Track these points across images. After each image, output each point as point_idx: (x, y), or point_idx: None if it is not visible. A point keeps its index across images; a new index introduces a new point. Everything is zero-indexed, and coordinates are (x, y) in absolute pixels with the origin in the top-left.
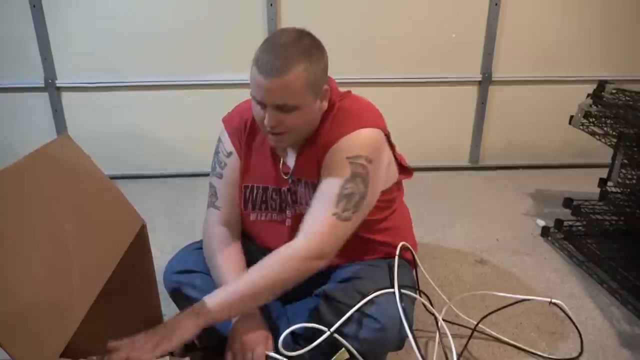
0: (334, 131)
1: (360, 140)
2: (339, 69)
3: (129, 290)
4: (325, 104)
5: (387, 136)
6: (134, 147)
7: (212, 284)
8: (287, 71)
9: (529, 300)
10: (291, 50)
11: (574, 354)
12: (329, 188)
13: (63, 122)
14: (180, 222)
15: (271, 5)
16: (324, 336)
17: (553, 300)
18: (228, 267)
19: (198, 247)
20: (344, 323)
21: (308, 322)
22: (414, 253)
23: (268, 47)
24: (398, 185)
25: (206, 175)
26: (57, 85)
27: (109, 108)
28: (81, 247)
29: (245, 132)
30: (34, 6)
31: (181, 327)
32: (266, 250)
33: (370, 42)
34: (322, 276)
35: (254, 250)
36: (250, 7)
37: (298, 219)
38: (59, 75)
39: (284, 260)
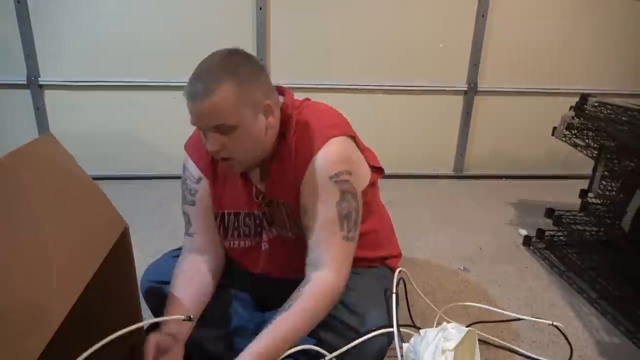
0: (303, 150)
1: (334, 155)
2: (326, 75)
3: (110, 294)
4: (272, 120)
5: (354, 137)
6: (119, 148)
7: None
8: (211, 92)
9: (524, 319)
10: (215, 70)
11: None
12: (327, 213)
13: (45, 121)
14: (164, 225)
15: (260, 9)
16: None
17: (554, 323)
18: (182, 291)
19: (177, 254)
20: (327, 334)
21: (304, 342)
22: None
23: (194, 72)
24: (372, 185)
25: None
26: (40, 82)
27: (93, 107)
28: (61, 249)
29: (209, 155)
30: (19, 2)
31: None
32: (247, 273)
33: (358, 49)
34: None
35: (236, 272)
36: (239, 11)
37: (275, 242)
38: (42, 72)
39: (321, 298)
